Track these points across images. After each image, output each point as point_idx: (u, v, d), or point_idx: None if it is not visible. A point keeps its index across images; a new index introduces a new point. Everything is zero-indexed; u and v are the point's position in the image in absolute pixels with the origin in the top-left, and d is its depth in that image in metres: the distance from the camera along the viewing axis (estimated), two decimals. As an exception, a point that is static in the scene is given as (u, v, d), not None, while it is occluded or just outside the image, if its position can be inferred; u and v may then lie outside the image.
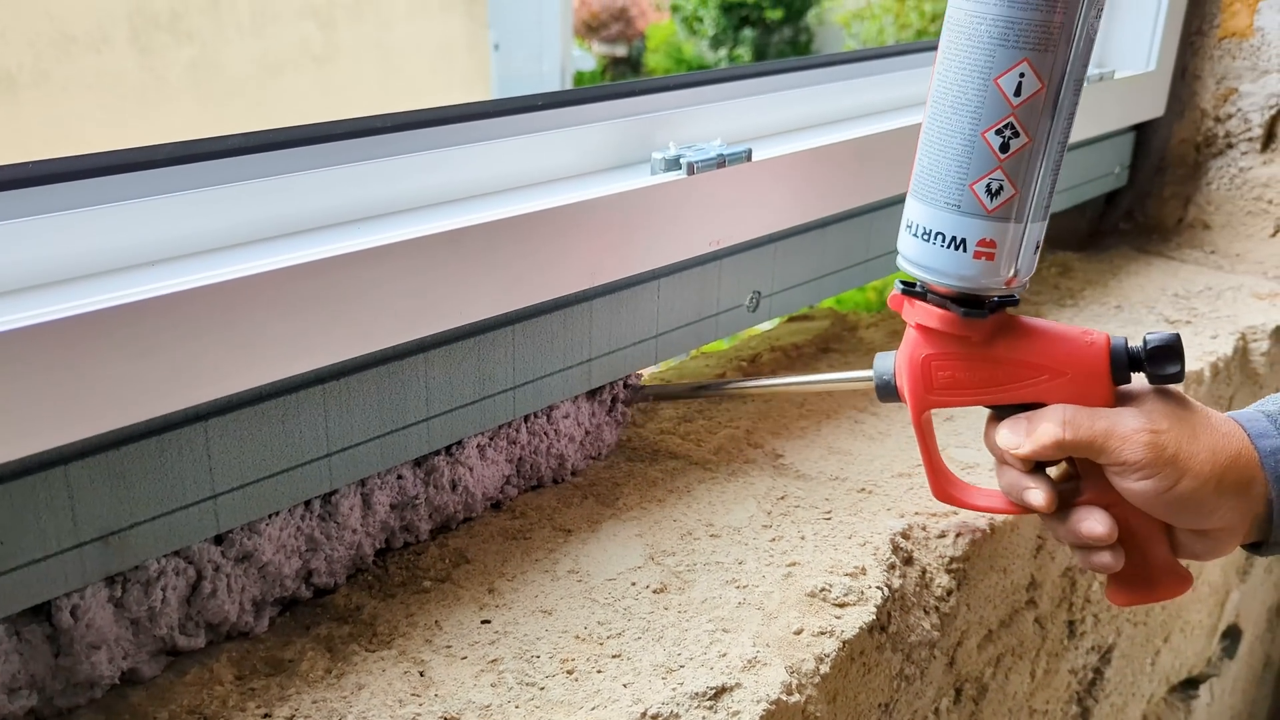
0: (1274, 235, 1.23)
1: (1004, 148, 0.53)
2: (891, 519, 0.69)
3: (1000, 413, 0.60)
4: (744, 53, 8.81)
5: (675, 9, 9.31)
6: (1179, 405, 0.56)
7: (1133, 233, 1.33)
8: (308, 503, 0.59)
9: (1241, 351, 1.04)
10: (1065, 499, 0.58)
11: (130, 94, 4.92)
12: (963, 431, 0.81)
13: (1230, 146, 1.24)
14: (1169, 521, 0.57)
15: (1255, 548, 0.58)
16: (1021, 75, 0.52)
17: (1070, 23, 0.52)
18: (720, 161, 0.72)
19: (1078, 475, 0.59)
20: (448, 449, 0.65)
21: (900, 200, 0.92)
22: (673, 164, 0.71)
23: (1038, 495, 0.57)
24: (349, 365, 0.58)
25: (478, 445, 0.67)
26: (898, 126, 0.86)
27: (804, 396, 0.85)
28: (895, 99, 0.97)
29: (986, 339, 0.58)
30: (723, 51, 8.97)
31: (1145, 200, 1.32)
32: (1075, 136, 1.12)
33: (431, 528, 0.66)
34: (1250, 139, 1.22)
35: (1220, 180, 1.25)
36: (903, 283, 0.59)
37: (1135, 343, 0.57)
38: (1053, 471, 0.60)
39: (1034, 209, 0.55)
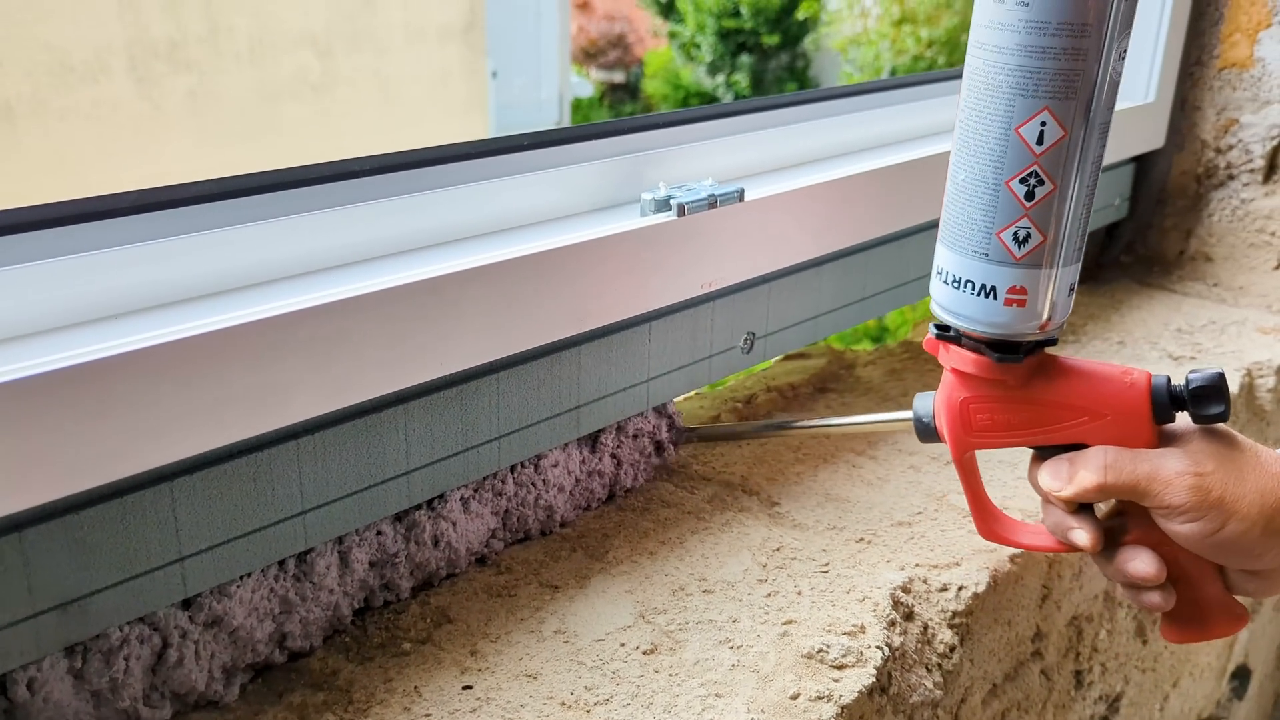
0: (1277, 268, 1.21)
1: (1029, 196, 0.53)
2: (891, 571, 0.66)
3: (1043, 453, 0.59)
4: (741, 78, 8.85)
5: (673, 36, 9.36)
6: (1225, 445, 0.55)
7: (1134, 265, 1.31)
8: (281, 562, 0.57)
9: (1247, 388, 1.01)
10: (1113, 537, 0.57)
11: (127, 123, 4.93)
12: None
13: (1231, 178, 1.22)
14: (1218, 562, 0.56)
15: None
16: (1043, 124, 0.51)
17: (1091, 70, 0.51)
18: (712, 202, 0.70)
19: (1125, 512, 0.58)
20: (429, 503, 0.63)
21: (897, 236, 0.91)
22: (663, 205, 0.69)
23: (1082, 536, 0.57)
24: (324, 420, 0.55)
25: (461, 498, 0.64)
26: (893, 163, 0.84)
27: (800, 440, 0.83)
28: (889, 133, 0.95)
29: (1024, 381, 0.57)
30: (720, 77, 9.01)
31: (1146, 232, 1.30)
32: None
33: (413, 585, 0.63)
34: (1252, 170, 1.20)
35: (1222, 212, 1.23)
36: (937, 327, 0.59)
37: (1178, 381, 0.56)
38: (1100, 508, 0.59)
39: (1064, 253, 0.54)
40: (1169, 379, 0.56)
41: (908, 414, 0.65)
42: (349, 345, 0.53)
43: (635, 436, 0.75)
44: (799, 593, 0.64)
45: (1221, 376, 0.55)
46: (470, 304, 0.58)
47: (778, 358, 0.93)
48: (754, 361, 0.81)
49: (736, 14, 8.75)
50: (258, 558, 0.54)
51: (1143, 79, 1.16)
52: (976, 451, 0.62)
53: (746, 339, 0.79)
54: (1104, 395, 0.56)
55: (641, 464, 0.76)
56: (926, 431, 0.63)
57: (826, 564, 0.67)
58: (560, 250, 0.62)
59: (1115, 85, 0.53)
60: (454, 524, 0.64)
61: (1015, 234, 0.54)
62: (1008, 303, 0.55)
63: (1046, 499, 0.59)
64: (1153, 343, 1.07)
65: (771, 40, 8.69)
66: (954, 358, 0.58)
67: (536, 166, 0.68)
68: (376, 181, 0.60)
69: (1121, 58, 0.52)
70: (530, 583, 0.65)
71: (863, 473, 0.79)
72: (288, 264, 0.57)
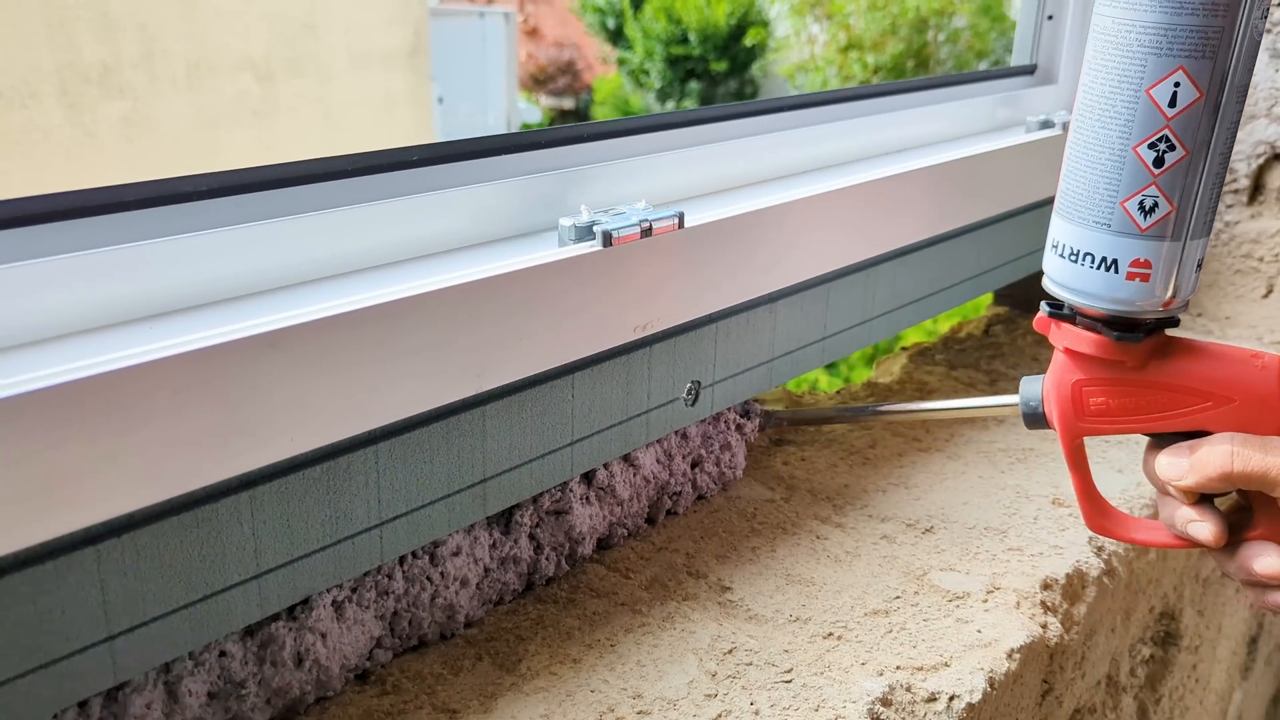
0: (1266, 296, 1.12)
1: (1158, 162, 0.50)
2: (868, 678, 0.54)
3: (1159, 440, 0.56)
4: (690, 104, 8.80)
5: (622, 62, 9.31)
6: None
7: (1110, 293, 1.21)
8: (83, 704, 0.43)
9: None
10: (1235, 531, 0.54)
11: (58, 150, 4.73)
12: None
13: (1215, 199, 1.13)
14: None
15: None
16: (1177, 85, 0.49)
17: (1231, 26, 0.48)
18: (645, 228, 0.58)
19: (1249, 505, 0.54)
20: (291, 611, 0.50)
21: (862, 266, 0.80)
22: (585, 232, 0.57)
23: (1204, 529, 0.53)
24: (136, 518, 0.42)
25: (334, 602, 0.51)
26: (859, 181, 0.72)
27: (754, 508, 0.71)
28: (851, 149, 0.84)
29: (1142, 363, 0.54)
30: (670, 104, 8.95)
31: (1123, 257, 1.20)
32: (1044, 194, 1.01)
33: (271, 717, 0.50)
34: (1236, 190, 1.11)
35: (1205, 235, 1.14)
36: (1049, 304, 0.56)
37: None
38: (1220, 502, 0.55)
39: (1194, 225, 0.52)
40: None
41: (1013, 399, 0.61)
42: (165, 420, 0.40)
43: (558, 513, 0.62)
44: (756, 712, 0.52)
45: None
46: (331, 362, 0.45)
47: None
48: (700, 414, 0.69)
49: (685, 40, 8.72)
50: (48, 701, 0.41)
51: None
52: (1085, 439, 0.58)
53: (691, 389, 0.67)
54: (1231, 379, 0.53)
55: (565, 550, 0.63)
56: (1034, 418, 0.59)
57: (789, 670, 0.55)
58: (454, 289, 0.50)
59: (1255, 45, 0.49)
60: (324, 635, 0.51)
61: (1141, 203, 0.51)
62: (1130, 277, 0.52)
63: (1163, 490, 0.55)
64: (1141, 381, 0.97)
65: (720, 66, 8.66)
66: (1067, 336, 0.55)
67: (430, 187, 0.56)
68: (210, 206, 0.47)
69: (1264, 15, 0.49)
70: (423, 705, 0.52)
71: (828, 545, 0.67)
72: (71, 317, 0.44)
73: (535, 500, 0.61)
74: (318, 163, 0.52)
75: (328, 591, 0.51)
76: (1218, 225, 1.13)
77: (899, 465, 0.79)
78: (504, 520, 0.60)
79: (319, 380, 0.45)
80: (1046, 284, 0.56)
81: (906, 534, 0.69)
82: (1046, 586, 0.64)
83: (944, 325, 2.73)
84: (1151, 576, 0.79)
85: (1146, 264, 0.52)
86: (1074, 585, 0.65)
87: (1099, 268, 0.53)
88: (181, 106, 5.11)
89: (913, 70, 7.23)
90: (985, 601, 0.61)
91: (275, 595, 0.48)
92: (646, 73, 9.02)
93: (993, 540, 0.68)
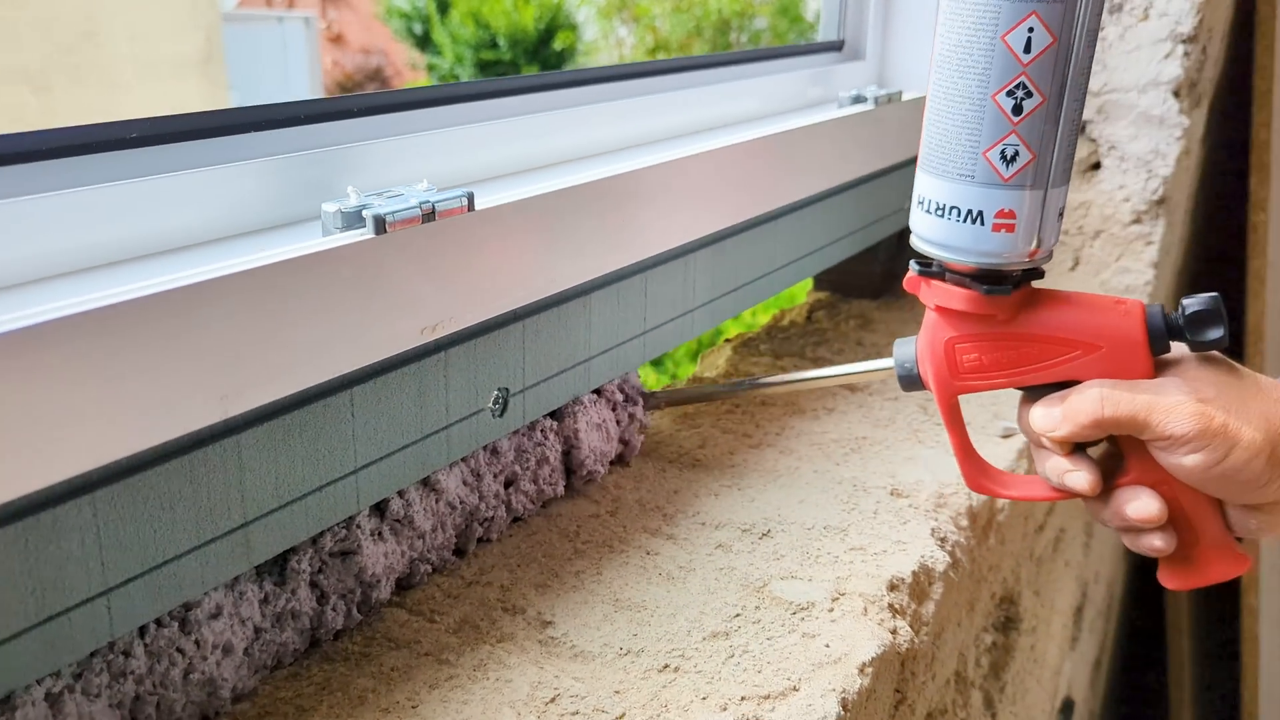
0: (1073, 269, 1.14)
1: (1017, 110, 0.50)
2: (710, 714, 0.48)
3: (1032, 394, 0.56)
4: (503, 109, 8.68)
5: (431, 68, 9.08)
6: (1225, 371, 0.53)
7: (926, 274, 1.20)
8: None
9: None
10: (1107, 479, 0.55)
11: None
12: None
13: (1020, 176, 1.14)
14: (1221, 497, 0.53)
15: None
16: (1031, 30, 0.49)
17: None
18: (428, 212, 0.49)
19: (1120, 454, 0.55)
20: (-15, 713, 0.39)
21: (684, 252, 0.74)
22: (354, 218, 0.48)
23: (1080, 478, 0.54)
24: None
25: (48, 695, 0.41)
26: (667, 159, 0.66)
27: (578, 526, 0.63)
28: (661, 128, 0.78)
29: (1012, 316, 0.55)
30: (482, 109, 8.80)
31: (936, 238, 1.19)
32: (860, 171, 0.98)
33: None
34: (1040, 167, 1.12)
35: (1014, 213, 1.15)
36: (918, 263, 0.56)
37: (1173, 309, 0.54)
38: (1092, 452, 0.56)
39: (1055, 173, 0.52)
40: (1163, 306, 0.54)
41: (887, 362, 0.61)
42: None
43: (345, 554, 0.53)
44: (586, 771, 0.44)
45: (1218, 299, 0.52)
46: (15, 390, 0.35)
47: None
48: (512, 424, 0.61)
49: (494, 45, 8.59)
50: None
51: (924, 65, 1.05)
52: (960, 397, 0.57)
53: (498, 397, 0.59)
54: (1098, 326, 0.54)
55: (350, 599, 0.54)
56: (910, 380, 0.59)
57: (621, 716, 0.47)
58: (183, 292, 0.40)
59: None
60: (35, 739, 0.40)
61: (1003, 152, 0.51)
62: (996, 228, 0.52)
63: (1037, 443, 0.56)
64: (965, 360, 0.95)
65: (531, 71, 8.59)
66: (938, 293, 0.55)
67: (157, 170, 0.46)
68: None
69: None
70: (174, 810, 0.42)
71: (660, 561, 0.61)
72: None
73: (315, 541, 0.51)
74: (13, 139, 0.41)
75: (40, 683, 0.40)
76: (1024, 202, 1.14)
77: (730, 465, 0.73)
78: (277, 568, 0.50)
79: (18, 409, 0.35)
80: (915, 241, 0.55)
81: (743, 540, 0.63)
82: (893, 587, 0.59)
83: (764, 317, 2.74)
84: (992, 562, 0.77)
85: (1011, 214, 0.51)
86: (920, 583, 0.61)
87: (965, 221, 0.52)
88: (-57, 118, 4.64)
89: (720, 70, 7.35)
90: (831, 611, 0.56)
91: (-42, 697, 0.37)
92: (457, 78, 8.84)
93: (834, 540, 0.63)
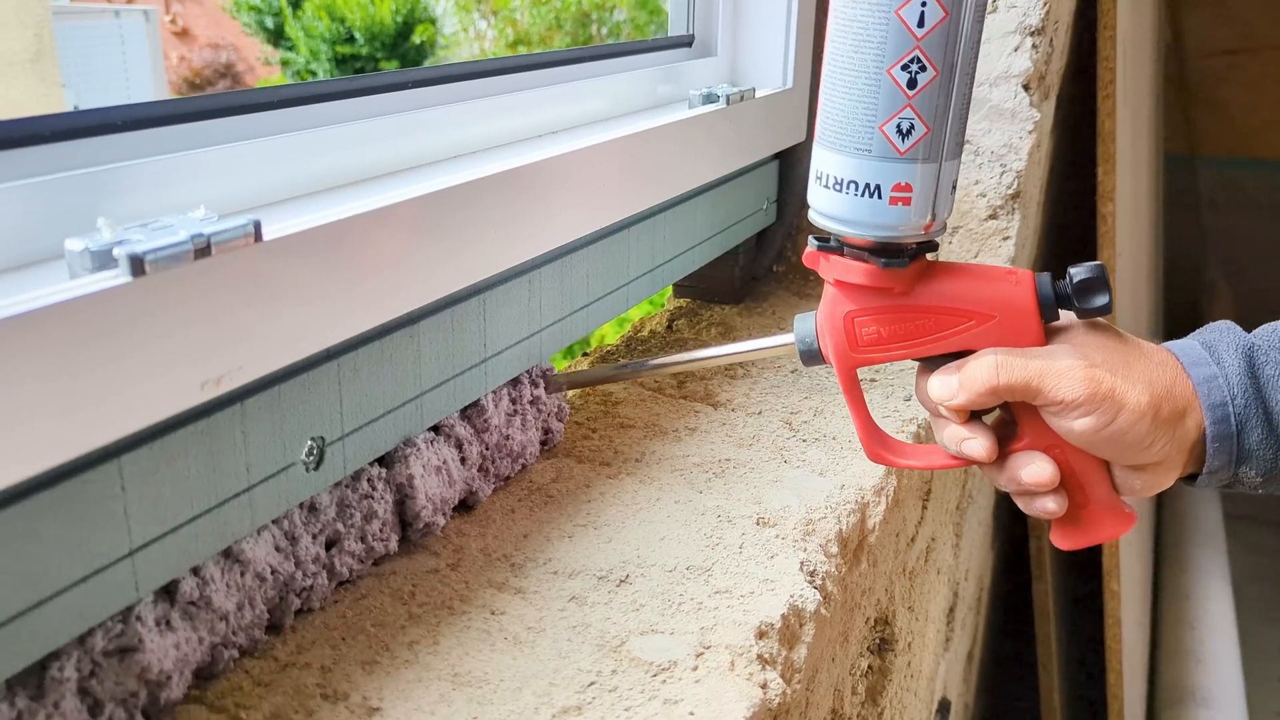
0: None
1: (911, 84, 0.51)
2: (561, 810, 0.42)
3: (930, 365, 0.58)
4: (361, 106, 8.41)
5: (286, 64, 8.72)
6: (1110, 337, 0.55)
7: (788, 275, 1.17)
8: None
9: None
10: (1002, 445, 0.56)
11: None
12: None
13: (879, 173, 1.11)
14: (1109, 459, 0.55)
15: (1190, 479, 0.57)
16: (924, 4, 0.50)
17: None
18: (201, 246, 0.42)
19: (1014, 420, 0.57)
20: None
21: (526, 269, 0.67)
22: (103, 258, 0.40)
23: (976, 445, 0.56)
24: None
25: None
26: (501, 169, 0.60)
27: (413, 585, 0.56)
28: (494, 133, 0.71)
29: (909, 289, 0.56)
30: (339, 105, 8.51)
31: (798, 238, 1.16)
32: (714, 174, 0.93)
33: None
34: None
35: (874, 211, 1.12)
36: (817, 239, 0.57)
37: (1060, 278, 0.56)
38: (987, 419, 0.58)
39: (948, 146, 0.53)
40: (1051, 275, 0.55)
41: (787, 338, 0.62)
42: None
43: (122, 652, 0.44)
44: None
45: (1103, 268, 0.54)
46: None
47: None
48: (330, 479, 0.54)
49: (351, 40, 8.31)
50: None
51: (776, 62, 1.01)
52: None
53: (311, 449, 0.52)
54: (990, 296, 0.55)
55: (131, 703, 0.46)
56: (811, 354, 0.60)
57: (456, 826, 0.41)
58: None
59: None
60: None
61: (899, 126, 0.52)
62: (893, 201, 0.53)
63: (935, 412, 0.58)
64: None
65: (390, 66, 8.34)
66: (837, 268, 0.56)
67: None
68: None
69: None
70: None
71: (505, 622, 0.54)
72: None
73: (83, 642, 0.43)
74: None
75: None
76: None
77: (586, 500, 0.67)
78: (35, 680, 0.42)
79: None
80: (813, 217, 0.56)
81: (599, 590, 0.57)
82: (762, 635, 0.54)
83: (612, 335, 2.70)
84: (865, 587, 0.73)
85: (907, 187, 0.52)
86: (791, 626, 0.56)
87: (863, 194, 0.53)
88: None
89: (582, 64, 7.30)
90: (695, 670, 0.51)
91: None
92: (313, 74, 8.50)
93: (697, 583, 0.58)
